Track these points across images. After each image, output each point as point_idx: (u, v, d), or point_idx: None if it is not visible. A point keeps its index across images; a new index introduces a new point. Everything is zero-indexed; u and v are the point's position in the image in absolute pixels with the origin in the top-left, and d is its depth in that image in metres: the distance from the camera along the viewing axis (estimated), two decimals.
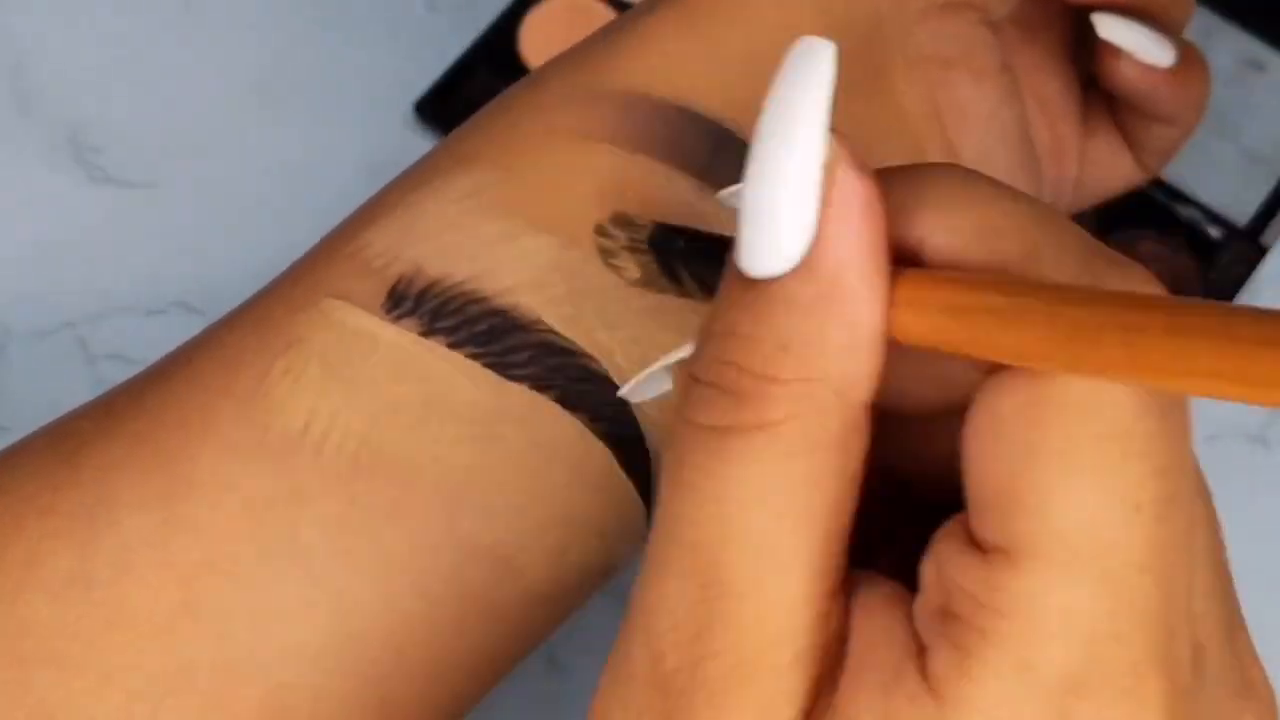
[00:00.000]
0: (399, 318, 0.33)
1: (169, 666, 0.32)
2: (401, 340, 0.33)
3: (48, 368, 0.50)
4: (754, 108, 0.35)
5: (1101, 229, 0.51)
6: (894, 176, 0.25)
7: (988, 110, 0.38)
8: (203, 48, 0.54)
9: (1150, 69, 0.39)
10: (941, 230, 0.25)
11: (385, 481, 0.32)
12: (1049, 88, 0.41)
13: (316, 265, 0.35)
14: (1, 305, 0.51)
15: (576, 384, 0.33)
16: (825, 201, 0.24)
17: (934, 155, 0.37)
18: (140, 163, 0.53)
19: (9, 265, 0.52)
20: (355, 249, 0.34)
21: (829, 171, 0.24)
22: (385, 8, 0.55)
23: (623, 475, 0.34)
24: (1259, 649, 0.45)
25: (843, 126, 0.36)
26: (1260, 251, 0.51)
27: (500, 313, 0.33)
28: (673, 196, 0.35)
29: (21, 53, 0.54)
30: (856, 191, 0.24)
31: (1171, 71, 0.39)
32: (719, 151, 0.35)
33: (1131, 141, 0.42)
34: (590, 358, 0.34)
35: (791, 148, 0.24)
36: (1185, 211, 0.51)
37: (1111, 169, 0.43)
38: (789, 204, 0.24)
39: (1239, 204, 0.52)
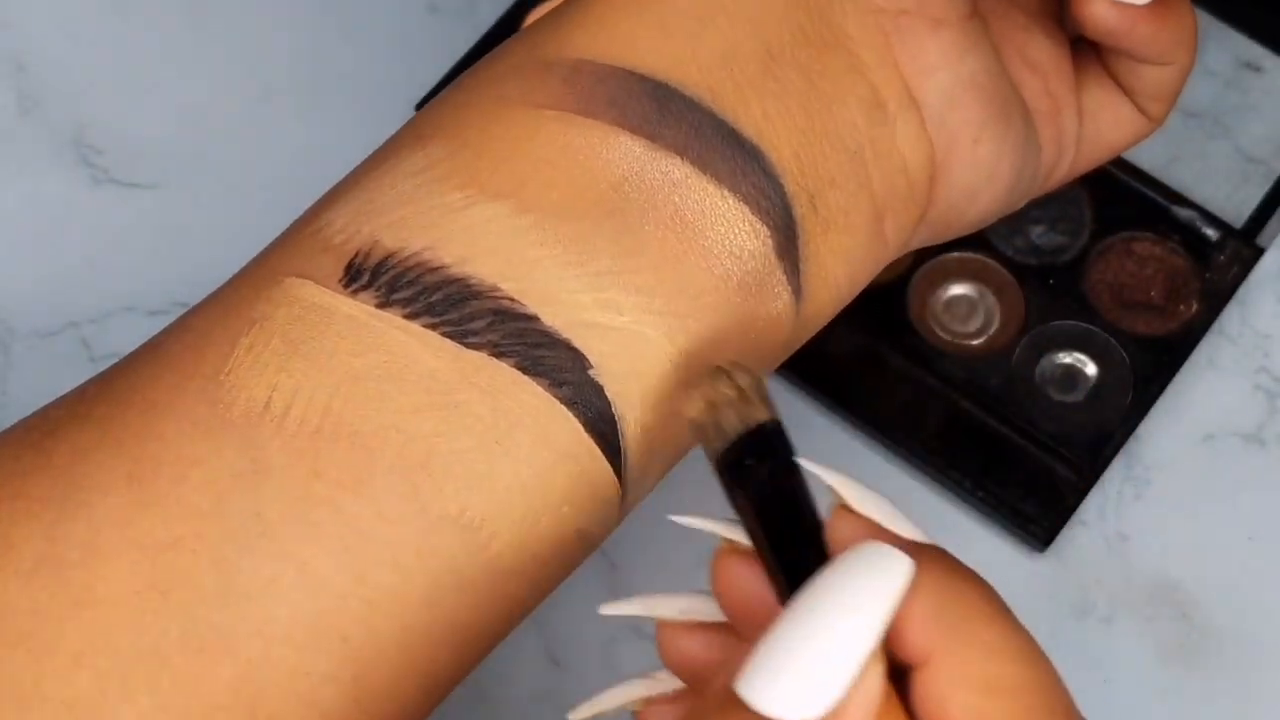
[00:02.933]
0: (356, 291, 0.33)
1: (138, 646, 0.31)
2: (359, 313, 0.33)
3: (51, 368, 0.51)
4: (698, 66, 0.35)
5: (1100, 229, 0.51)
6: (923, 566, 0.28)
7: (948, 59, 0.37)
8: (205, 50, 0.55)
9: (1123, 6, 0.38)
10: (937, 661, 0.28)
11: (347, 452, 0.32)
12: (1036, 47, 0.40)
13: (280, 247, 0.35)
14: (5, 306, 0.51)
15: (535, 349, 0.33)
16: (848, 694, 0.27)
17: (892, 105, 0.37)
18: (143, 164, 0.53)
19: (12, 266, 0.52)
20: (316, 228, 0.35)
21: (864, 667, 0.27)
22: (387, 9, 0.55)
23: (589, 441, 0.34)
24: (1258, 649, 0.45)
25: (794, 78, 0.36)
26: (1257, 252, 0.51)
27: (456, 281, 0.33)
28: (622, 157, 0.35)
29: (25, 55, 0.54)
30: (875, 692, 0.27)
31: (1148, 8, 0.38)
32: (665, 109, 0.35)
33: (1126, 88, 0.42)
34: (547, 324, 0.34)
35: (841, 637, 0.27)
36: (1182, 212, 0.52)
37: (1114, 120, 0.42)
38: (815, 680, 0.27)
39: (1235, 205, 0.52)
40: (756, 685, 0.27)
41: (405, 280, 0.33)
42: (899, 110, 0.37)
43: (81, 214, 0.52)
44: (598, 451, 0.34)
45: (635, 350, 0.34)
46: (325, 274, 0.34)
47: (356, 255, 0.34)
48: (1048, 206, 0.52)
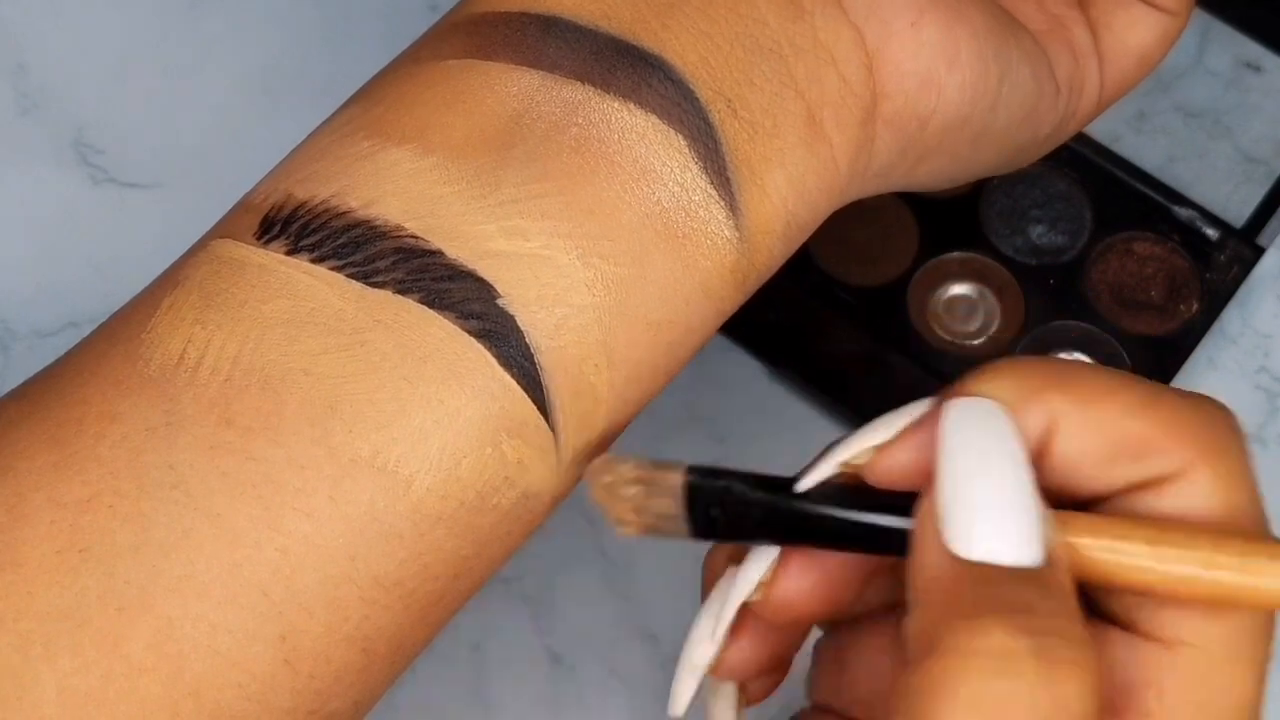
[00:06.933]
0: (269, 242, 0.34)
1: (60, 606, 0.31)
2: (269, 261, 0.33)
3: None
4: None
5: (1100, 229, 0.52)
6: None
7: None
8: (205, 49, 0.55)
9: None
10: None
11: (256, 399, 0.32)
12: None
13: (219, 221, 0.36)
14: (5, 305, 0.51)
15: (439, 283, 0.33)
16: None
17: (807, 1, 0.36)
18: (143, 164, 0.53)
19: (12, 266, 0.52)
20: (245, 196, 0.35)
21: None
22: (386, 8, 0.55)
23: (505, 376, 0.33)
24: None
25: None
26: (1257, 251, 0.51)
27: (362, 224, 0.33)
28: (519, 90, 0.35)
29: (24, 54, 0.55)
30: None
31: None
32: (560, 40, 0.35)
33: None
34: (453, 258, 0.33)
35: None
36: (1182, 212, 0.52)
37: (1129, 23, 0.41)
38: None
39: (1235, 204, 0.53)
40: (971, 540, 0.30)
41: (313, 227, 0.34)
42: (815, 4, 0.36)
43: (81, 214, 0.52)
44: (517, 388, 0.33)
45: (545, 275, 0.33)
46: (244, 231, 0.34)
47: (271, 210, 0.34)
48: (1048, 206, 0.52)
